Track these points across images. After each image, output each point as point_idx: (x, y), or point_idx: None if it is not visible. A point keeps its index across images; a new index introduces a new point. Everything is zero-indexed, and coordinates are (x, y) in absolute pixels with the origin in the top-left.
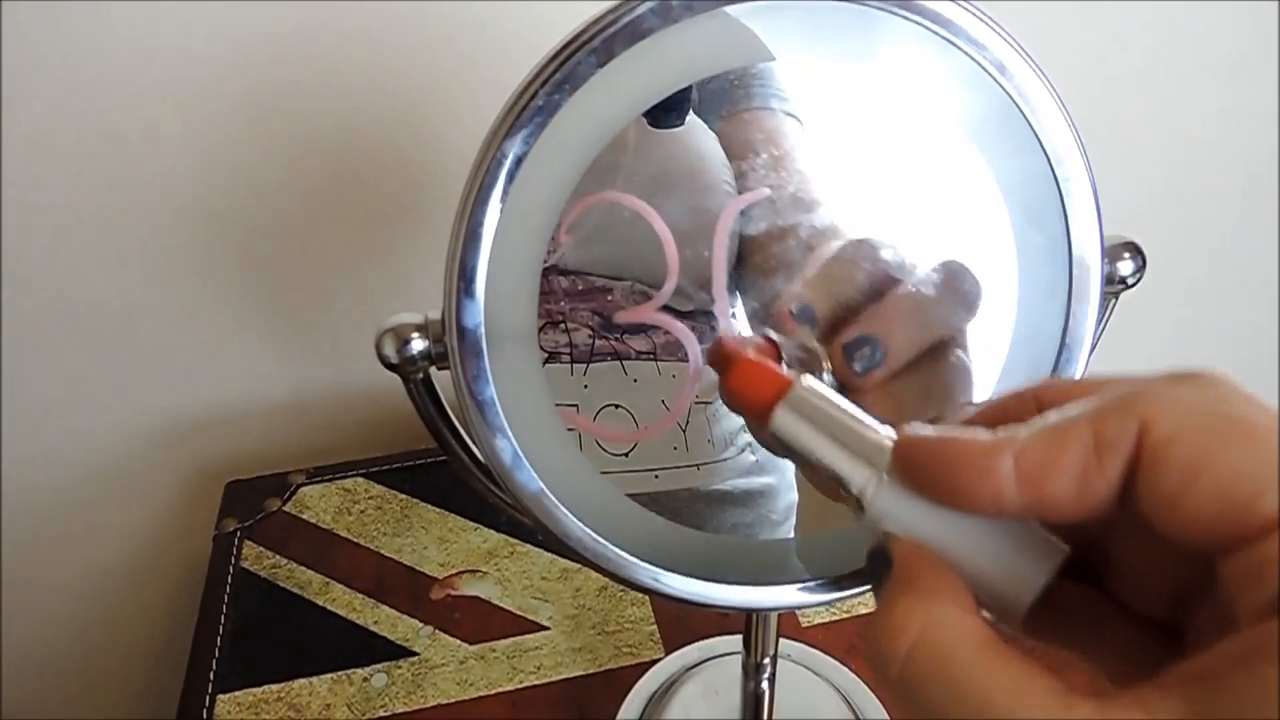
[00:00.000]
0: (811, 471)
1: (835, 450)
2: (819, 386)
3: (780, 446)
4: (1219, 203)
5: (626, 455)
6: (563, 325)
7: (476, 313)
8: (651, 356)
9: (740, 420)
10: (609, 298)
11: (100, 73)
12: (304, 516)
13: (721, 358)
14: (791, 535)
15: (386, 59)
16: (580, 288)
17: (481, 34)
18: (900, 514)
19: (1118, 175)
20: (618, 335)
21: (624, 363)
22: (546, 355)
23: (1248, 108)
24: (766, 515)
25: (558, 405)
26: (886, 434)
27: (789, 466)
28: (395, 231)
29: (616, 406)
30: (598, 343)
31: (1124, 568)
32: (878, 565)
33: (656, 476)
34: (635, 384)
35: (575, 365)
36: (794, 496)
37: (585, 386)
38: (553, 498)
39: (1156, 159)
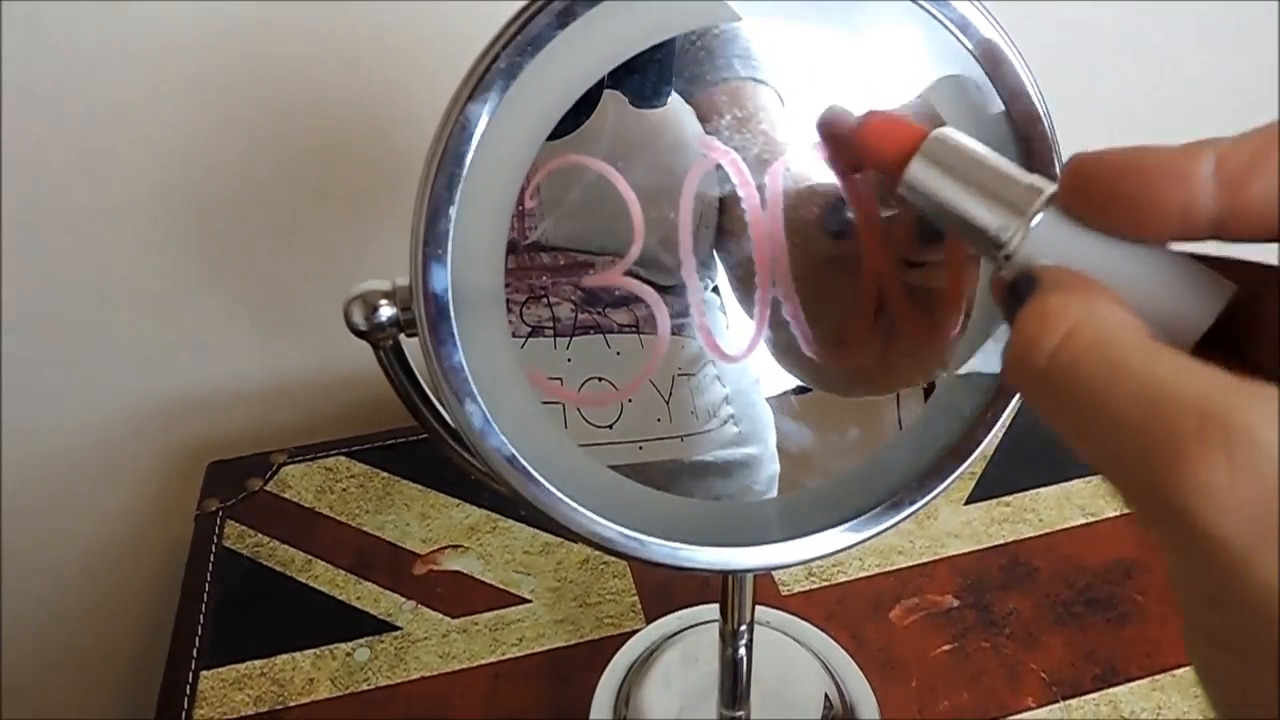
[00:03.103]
0: (948, 225)
1: (977, 197)
2: (956, 134)
3: (916, 201)
4: None
5: (611, 427)
6: (545, 299)
7: (443, 277)
8: (634, 329)
9: (724, 391)
10: (590, 271)
11: (71, 57)
12: (286, 495)
13: (844, 118)
14: (773, 497)
15: (360, 32)
16: (562, 262)
17: (459, 6)
18: (1055, 253)
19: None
20: (600, 309)
21: (607, 336)
22: (530, 329)
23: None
24: (749, 485)
25: (546, 377)
26: (1032, 177)
27: (771, 437)
28: (374, 209)
29: (600, 379)
30: (580, 316)
31: (1269, 330)
32: (1020, 289)
33: (641, 448)
34: (618, 356)
35: (558, 339)
36: (775, 467)
37: (569, 360)
38: (524, 462)
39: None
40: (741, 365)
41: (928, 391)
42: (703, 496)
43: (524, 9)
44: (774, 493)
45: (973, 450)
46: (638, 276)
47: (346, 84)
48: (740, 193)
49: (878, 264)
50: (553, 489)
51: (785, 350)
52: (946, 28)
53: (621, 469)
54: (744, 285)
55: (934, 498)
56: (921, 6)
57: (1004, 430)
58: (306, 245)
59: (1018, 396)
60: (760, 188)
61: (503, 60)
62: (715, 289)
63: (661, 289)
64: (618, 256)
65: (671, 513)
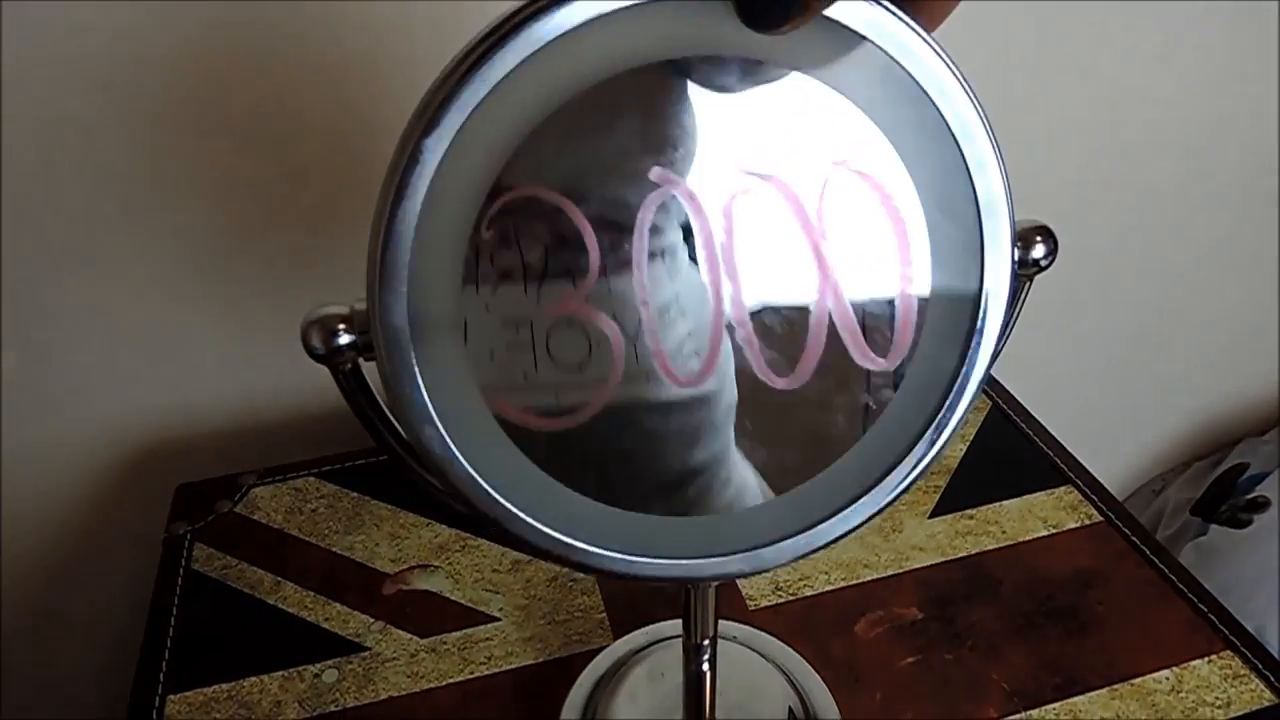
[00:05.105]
0: None
1: None
2: None
3: None
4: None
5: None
6: (529, 326)
7: (400, 306)
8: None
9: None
10: (554, 299)
11: (37, 67)
12: (255, 517)
13: None
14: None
15: (334, 52)
16: (550, 287)
17: (434, 27)
18: None
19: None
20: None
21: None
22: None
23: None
24: (713, 497)
25: (525, 407)
26: None
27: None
28: (345, 228)
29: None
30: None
31: None
32: None
33: None
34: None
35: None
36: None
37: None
38: (484, 484)
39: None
40: (703, 386)
41: (876, 409)
42: (670, 513)
43: (477, 43)
44: (737, 505)
45: (920, 464)
46: (596, 302)
47: (320, 104)
48: (694, 222)
49: (827, 291)
50: (513, 508)
51: (741, 375)
52: (893, 59)
53: (589, 489)
54: (698, 312)
55: (883, 510)
56: (876, 47)
57: (967, 445)
58: (278, 263)
59: (963, 411)
60: (714, 218)
61: (457, 93)
62: (670, 315)
63: (619, 315)
64: (577, 284)
65: (632, 528)
